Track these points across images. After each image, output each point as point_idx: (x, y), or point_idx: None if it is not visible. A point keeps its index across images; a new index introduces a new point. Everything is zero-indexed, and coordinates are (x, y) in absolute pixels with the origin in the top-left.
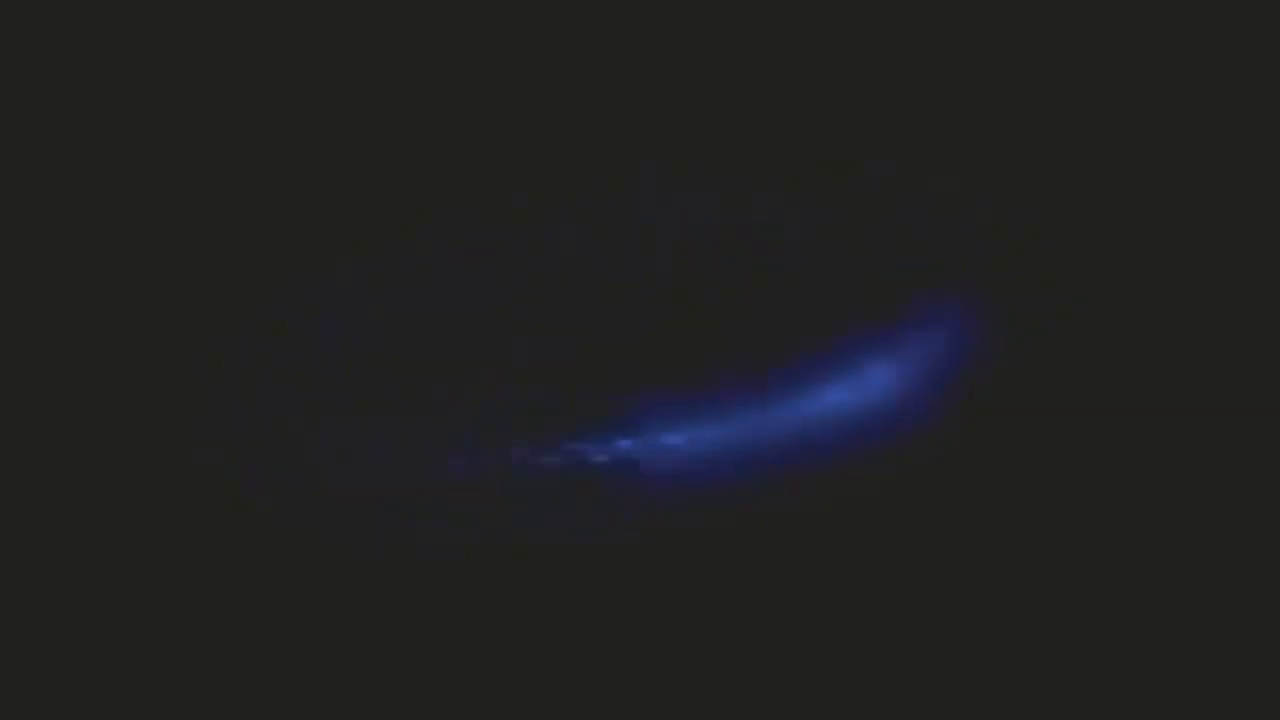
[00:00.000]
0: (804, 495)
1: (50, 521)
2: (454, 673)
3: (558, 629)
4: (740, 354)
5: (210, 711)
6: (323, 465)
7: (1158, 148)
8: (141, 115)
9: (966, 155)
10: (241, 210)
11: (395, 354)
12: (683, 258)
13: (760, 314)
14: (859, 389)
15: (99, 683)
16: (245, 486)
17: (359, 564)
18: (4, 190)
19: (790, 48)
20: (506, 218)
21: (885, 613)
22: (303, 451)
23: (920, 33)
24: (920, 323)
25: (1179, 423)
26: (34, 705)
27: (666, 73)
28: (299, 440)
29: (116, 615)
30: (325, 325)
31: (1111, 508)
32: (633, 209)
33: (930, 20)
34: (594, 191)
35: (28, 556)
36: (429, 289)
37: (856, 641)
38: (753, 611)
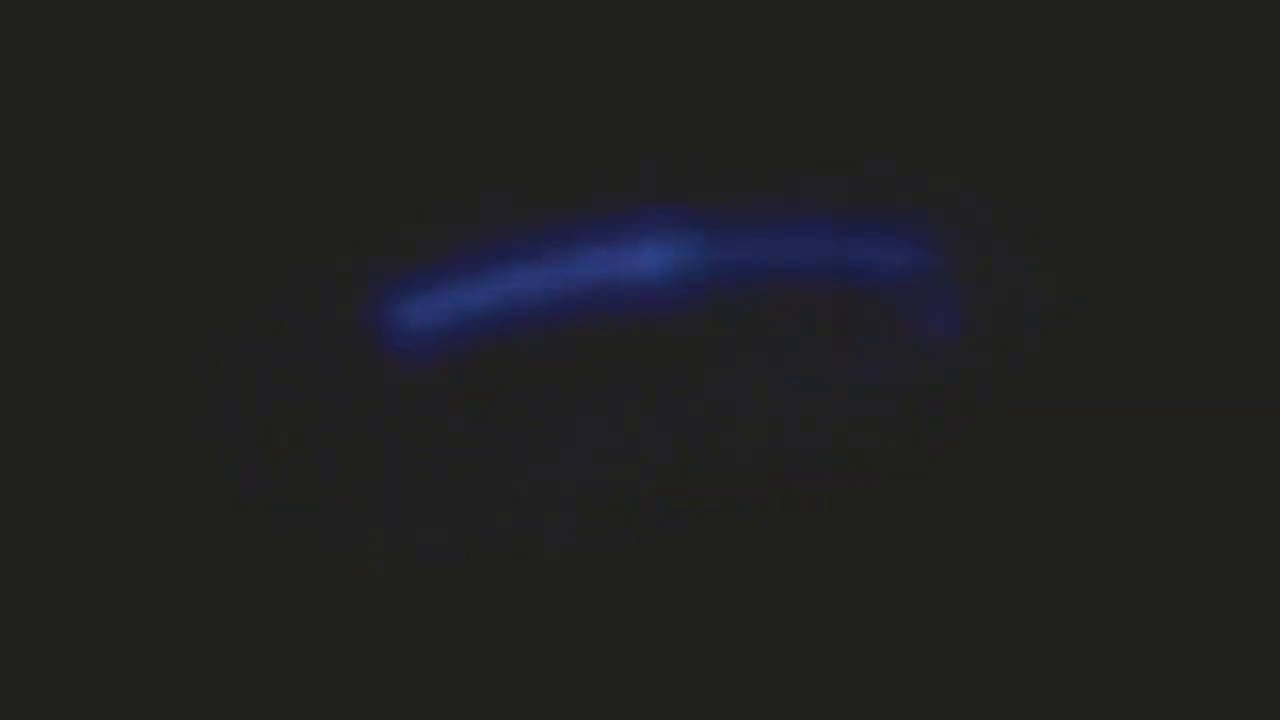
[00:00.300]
0: (804, 494)
1: (50, 521)
2: (455, 672)
3: (558, 629)
4: None
5: (210, 711)
6: (324, 464)
7: (1157, 148)
8: (141, 115)
9: (966, 155)
10: (242, 211)
11: (395, 354)
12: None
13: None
14: None
15: (99, 682)
16: (245, 486)
17: (359, 564)
18: (4, 191)
19: (790, 48)
20: (507, 217)
21: (888, 611)
22: (303, 449)
23: (920, 33)
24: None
25: (1179, 423)
26: (34, 705)
27: (666, 74)
28: (299, 441)
29: (117, 615)
30: (325, 325)
31: (1112, 507)
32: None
33: (930, 21)
34: (594, 192)
35: (28, 556)
36: (429, 290)
37: (858, 640)
38: (754, 610)
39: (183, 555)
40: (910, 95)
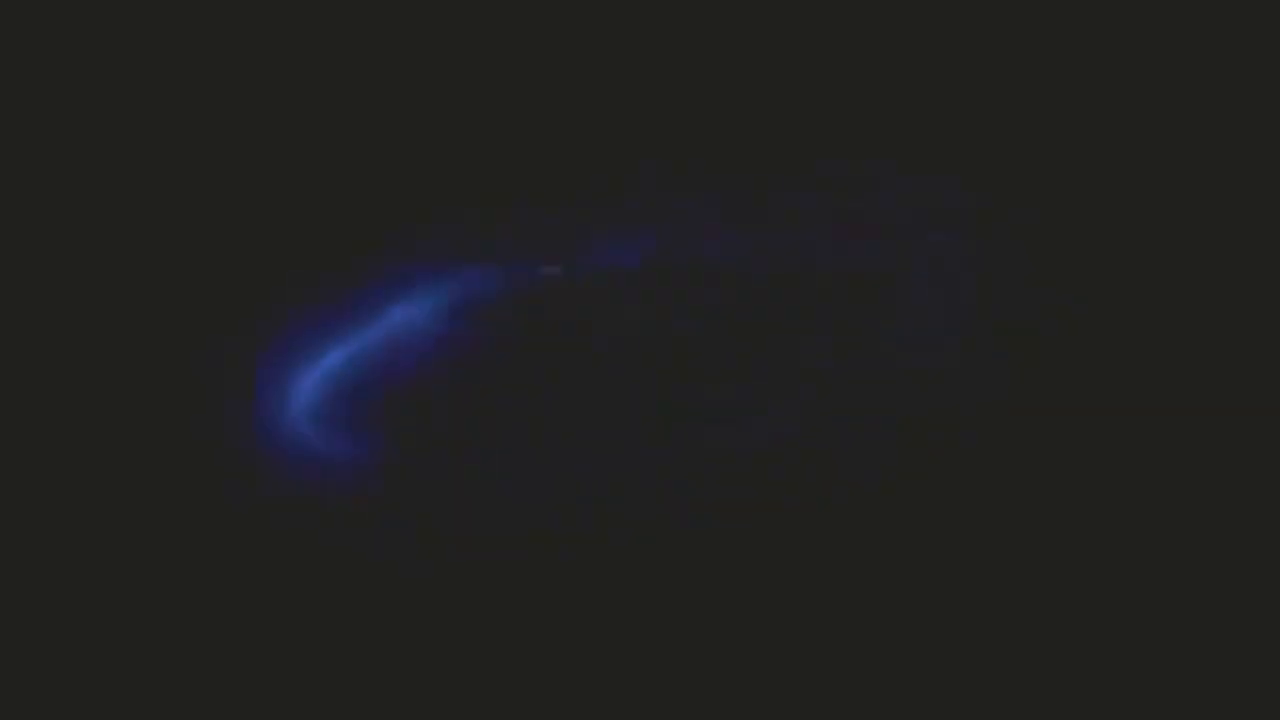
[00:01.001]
0: (809, 494)
1: (51, 520)
2: (455, 672)
3: (560, 628)
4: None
5: (210, 711)
6: (323, 466)
7: (1157, 148)
8: (144, 120)
9: (966, 155)
10: (242, 214)
11: (394, 354)
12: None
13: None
14: None
15: (99, 681)
16: (244, 487)
17: (359, 564)
18: (6, 193)
19: (790, 48)
20: (506, 219)
21: (892, 612)
22: (304, 451)
23: (920, 33)
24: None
25: (1179, 423)
26: (34, 704)
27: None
28: (301, 441)
29: (117, 613)
30: (324, 327)
31: (1114, 507)
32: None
33: (930, 21)
34: (594, 193)
35: (29, 554)
36: (430, 291)
37: (861, 641)
38: (759, 611)
39: (183, 554)
40: (910, 95)
